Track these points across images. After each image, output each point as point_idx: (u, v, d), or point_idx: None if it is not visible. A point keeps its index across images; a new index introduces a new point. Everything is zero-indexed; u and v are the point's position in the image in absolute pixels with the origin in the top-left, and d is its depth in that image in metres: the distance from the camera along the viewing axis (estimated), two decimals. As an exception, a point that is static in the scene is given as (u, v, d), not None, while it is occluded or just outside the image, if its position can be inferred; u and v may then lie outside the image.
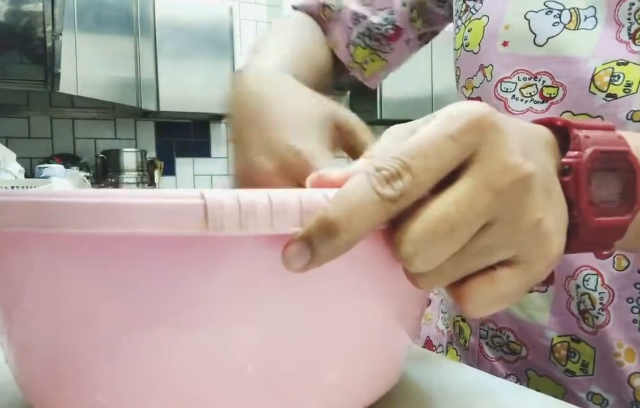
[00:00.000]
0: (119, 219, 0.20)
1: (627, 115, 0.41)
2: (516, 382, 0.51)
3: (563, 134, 0.27)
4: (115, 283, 0.22)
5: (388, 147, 0.25)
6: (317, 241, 0.21)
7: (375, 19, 0.61)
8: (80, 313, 0.23)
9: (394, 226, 0.23)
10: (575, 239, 0.26)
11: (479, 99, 0.50)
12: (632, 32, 0.41)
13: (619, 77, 0.41)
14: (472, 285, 0.24)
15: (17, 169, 2.04)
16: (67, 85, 2.51)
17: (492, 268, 0.24)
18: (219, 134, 3.18)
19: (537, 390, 0.49)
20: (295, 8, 0.65)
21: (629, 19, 0.41)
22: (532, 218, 0.23)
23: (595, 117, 0.42)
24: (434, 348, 0.61)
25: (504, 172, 0.22)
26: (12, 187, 1.73)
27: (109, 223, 0.20)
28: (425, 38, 0.65)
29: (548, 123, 0.28)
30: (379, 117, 3.28)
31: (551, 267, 0.25)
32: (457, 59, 0.54)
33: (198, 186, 3.08)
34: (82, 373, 0.24)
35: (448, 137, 0.22)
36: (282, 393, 0.25)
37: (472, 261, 0.24)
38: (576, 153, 0.26)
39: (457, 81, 0.54)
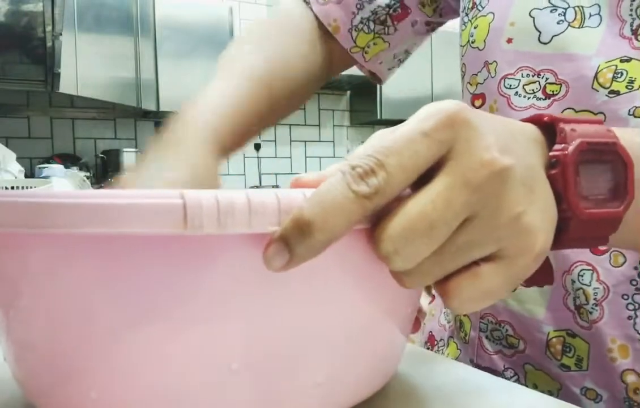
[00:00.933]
0: (99, 220, 0.20)
1: (629, 111, 0.41)
2: (514, 376, 0.51)
3: (551, 131, 0.27)
4: (107, 281, 0.22)
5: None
6: (293, 241, 0.21)
7: (382, 0, 0.60)
8: (75, 312, 0.23)
9: (374, 225, 0.23)
10: (567, 234, 0.26)
11: (482, 95, 0.51)
12: (634, 28, 0.42)
13: (622, 74, 0.41)
14: (456, 282, 0.25)
15: (17, 169, 2.04)
16: (67, 85, 2.52)
17: (476, 264, 0.25)
18: (219, 134, 3.19)
19: (534, 384, 0.49)
20: None
21: (630, 14, 0.42)
22: (511, 212, 0.23)
23: (597, 113, 0.42)
24: (436, 342, 0.62)
25: (480, 167, 0.23)
26: (12, 187, 1.73)
27: (89, 223, 0.20)
28: (431, 26, 0.63)
29: (536, 120, 0.28)
30: (379, 117, 3.28)
31: (537, 262, 0.25)
32: (462, 56, 0.54)
33: (198, 186, 3.08)
34: (79, 370, 0.24)
35: (422, 134, 0.23)
36: (269, 390, 0.25)
37: (454, 258, 0.24)
38: (562, 145, 0.26)
39: (463, 78, 0.55)
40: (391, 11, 0.60)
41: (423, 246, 0.23)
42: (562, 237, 0.26)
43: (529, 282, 0.27)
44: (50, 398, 0.26)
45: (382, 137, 0.26)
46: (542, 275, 0.27)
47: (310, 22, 0.61)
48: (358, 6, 0.60)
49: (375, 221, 0.23)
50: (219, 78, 0.51)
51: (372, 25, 0.61)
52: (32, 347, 0.25)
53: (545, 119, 0.27)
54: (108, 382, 0.24)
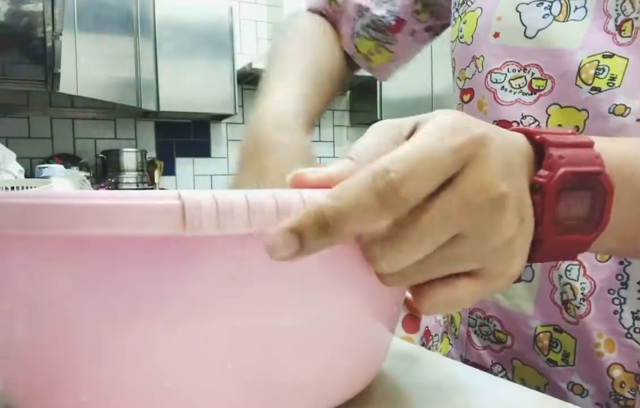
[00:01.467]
0: (98, 221, 0.20)
1: (609, 109, 0.41)
2: (501, 371, 0.51)
3: (541, 146, 0.27)
4: (97, 282, 0.22)
5: (370, 145, 0.26)
6: (309, 236, 0.21)
7: (379, 11, 0.61)
8: (67, 314, 0.23)
9: None
10: (537, 254, 0.27)
11: (471, 90, 0.51)
12: (618, 23, 0.42)
13: (603, 70, 0.41)
14: (432, 287, 0.25)
15: (17, 169, 2.05)
16: (67, 85, 2.52)
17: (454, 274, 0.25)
18: (219, 134, 3.19)
19: (522, 379, 0.49)
20: (308, 10, 0.66)
21: (616, 10, 0.42)
22: (502, 238, 0.24)
23: (581, 110, 0.42)
24: (431, 338, 0.62)
25: (481, 190, 0.23)
26: (12, 187, 1.74)
27: (88, 224, 0.20)
28: (434, 30, 0.64)
29: (527, 133, 0.28)
30: (379, 117, 3.28)
31: (508, 284, 0.26)
32: (452, 51, 0.54)
33: (198, 186, 3.08)
34: (65, 374, 0.24)
35: (451, 150, 0.23)
36: (263, 390, 0.25)
37: (437, 269, 0.25)
38: (547, 173, 0.26)
39: (453, 73, 0.55)
40: (386, 23, 0.62)
41: (409, 255, 0.23)
42: (533, 256, 0.27)
43: None
44: (37, 403, 0.26)
45: (390, 135, 0.26)
46: None
47: (328, 28, 0.64)
48: (358, 14, 0.62)
49: None
50: (282, 78, 0.54)
51: (372, 32, 0.62)
52: (18, 352, 0.25)
53: (537, 138, 0.27)
54: (100, 384, 0.24)
